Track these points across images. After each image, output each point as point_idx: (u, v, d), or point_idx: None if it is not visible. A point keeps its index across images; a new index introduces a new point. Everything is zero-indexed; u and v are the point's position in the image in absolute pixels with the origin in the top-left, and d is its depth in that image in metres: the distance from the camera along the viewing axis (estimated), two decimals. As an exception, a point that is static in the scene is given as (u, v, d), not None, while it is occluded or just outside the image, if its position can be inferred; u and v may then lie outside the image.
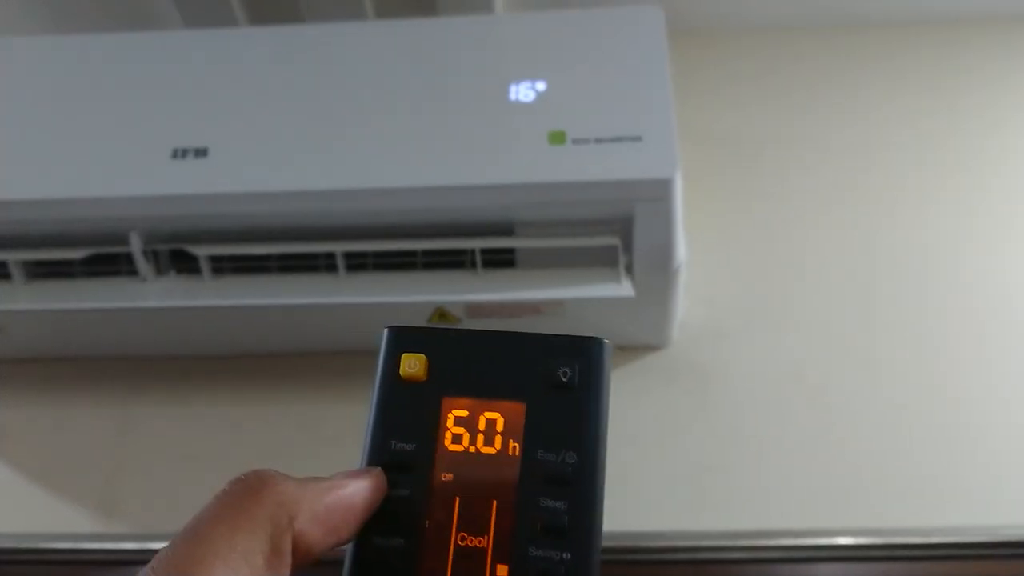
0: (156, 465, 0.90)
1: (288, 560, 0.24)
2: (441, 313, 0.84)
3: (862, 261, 0.96)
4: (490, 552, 0.27)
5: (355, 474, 0.28)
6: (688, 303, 0.91)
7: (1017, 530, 0.77)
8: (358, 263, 0.82)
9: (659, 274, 0.80)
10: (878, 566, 0.78)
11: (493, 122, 0.79)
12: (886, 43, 1.12)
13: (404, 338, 0.30)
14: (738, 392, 0.88)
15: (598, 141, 0.76)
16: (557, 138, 0.77)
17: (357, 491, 0.27)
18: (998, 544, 0.77)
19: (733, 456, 0.85)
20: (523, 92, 0.80)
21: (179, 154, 0.79)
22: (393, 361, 0.30)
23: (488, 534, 0.28)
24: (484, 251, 0.80)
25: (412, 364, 0.30)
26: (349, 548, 0.28)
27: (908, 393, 0.87)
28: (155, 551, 0.24)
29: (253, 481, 0.25)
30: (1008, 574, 0.77)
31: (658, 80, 0.80)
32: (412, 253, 0.82)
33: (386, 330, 0.31)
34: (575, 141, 0.77)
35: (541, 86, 0.80)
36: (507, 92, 0.80)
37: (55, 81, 0.87)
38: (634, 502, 0.82)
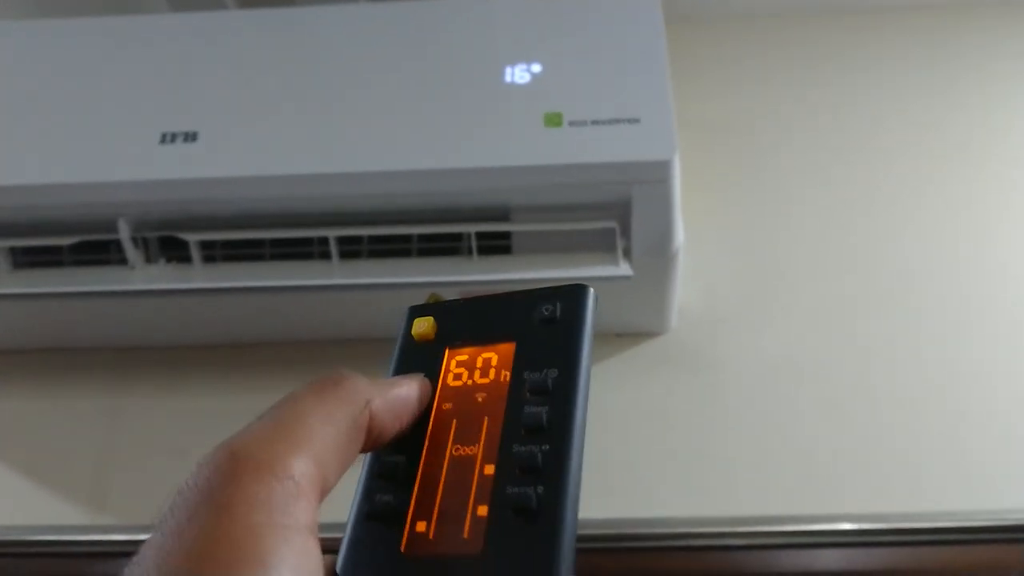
0: (146, 456, 0.89)
1: (363, 436, 0.30)
2: (435, 300, 0.83)
3: (860, 246, 0.95)
4: (480, 456, 0.31)
5: (406, 377, 0.34)
6: (687, 290, 0.90)
7: (1021, 514, 0.77)
8: (352, 250, 0.81)
9: (658, 258, 0.79)
10: (880, 551, 0.78)
11: (488, 104, 0.78)
12: (880, 28, 1.12)
13: (417, 310, 0.37)
14: (738, 378, 0.88)
15: (595, 123, 0.75)
16: (553, 120, 0.76)
17: (412, 389, 0.33)
18: (1002, 528, 0.76)
19: (733, 442, 0.84)
20: (518, 74, 0.79)
21: (168, 138, 0.78)
22: (408, 326, 0.36)
23: (479, 443, 0.31)
24: (480, 236, 0.79)
25: (421, 325, 0.35)
26: (364, 464, 0.33)
27: (908, 377, 0.86)
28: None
29: (334, 375, 0.31)
30: (1012, 558, 0.76)
31: (655, 61, 0.78)
32: (407, 239, 0.81)
33: (407, 308, 0.37)
34: (572, 123, 0.75)
35: (537, 68, 0.79)
36: (502, 74, 0.79)
37: (40, 66, 0.85)
38: (632, 489, 0.80)
